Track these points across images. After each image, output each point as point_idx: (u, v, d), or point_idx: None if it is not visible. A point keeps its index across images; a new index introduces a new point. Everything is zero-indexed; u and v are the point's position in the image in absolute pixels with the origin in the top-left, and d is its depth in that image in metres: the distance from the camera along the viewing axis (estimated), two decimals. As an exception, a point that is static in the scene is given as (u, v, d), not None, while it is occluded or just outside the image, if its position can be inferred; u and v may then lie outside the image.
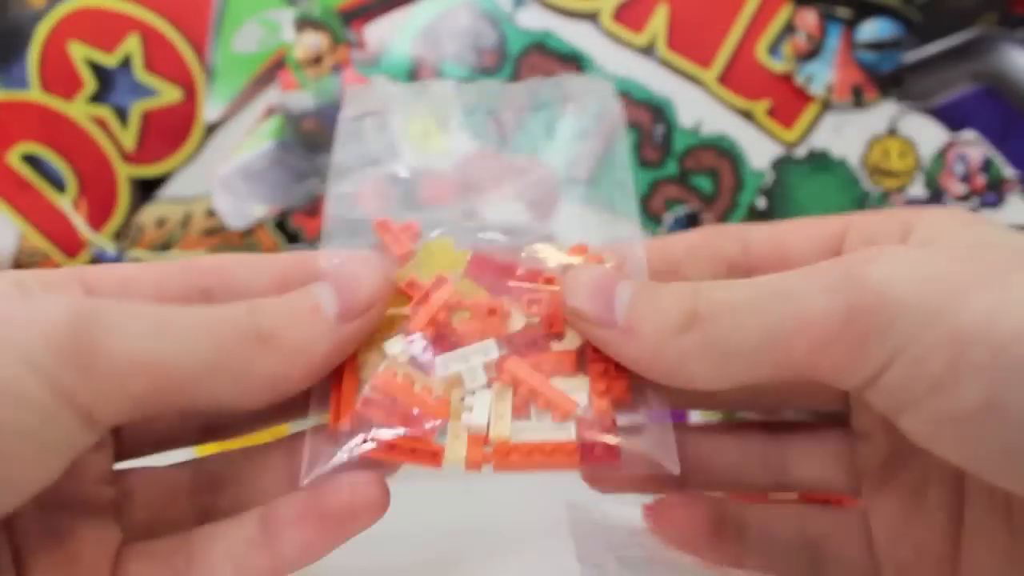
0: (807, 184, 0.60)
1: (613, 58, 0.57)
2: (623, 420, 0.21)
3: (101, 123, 0.50)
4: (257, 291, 0.21)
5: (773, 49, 0.59)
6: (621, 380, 0.21)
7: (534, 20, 0.56)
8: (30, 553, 0.20)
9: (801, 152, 0.60)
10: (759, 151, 0.60)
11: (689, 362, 0.19)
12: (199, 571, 0.20)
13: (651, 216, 0.57)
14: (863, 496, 0.24)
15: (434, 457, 0.20)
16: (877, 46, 0.59)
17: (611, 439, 0.21)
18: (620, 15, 0.57)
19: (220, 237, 0.52)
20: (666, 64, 0.58)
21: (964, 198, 0.59)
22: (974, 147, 0.59)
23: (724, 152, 0.60)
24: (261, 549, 0.20)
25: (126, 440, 0.23)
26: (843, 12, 0.58)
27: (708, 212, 0.59)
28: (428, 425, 0.21)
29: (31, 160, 0.50)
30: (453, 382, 0.21)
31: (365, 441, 0.20)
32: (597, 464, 0.21)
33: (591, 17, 0.57)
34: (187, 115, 0.51)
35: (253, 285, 0.22)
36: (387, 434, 0.20)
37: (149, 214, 0.51)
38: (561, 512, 0.29)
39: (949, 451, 0.18)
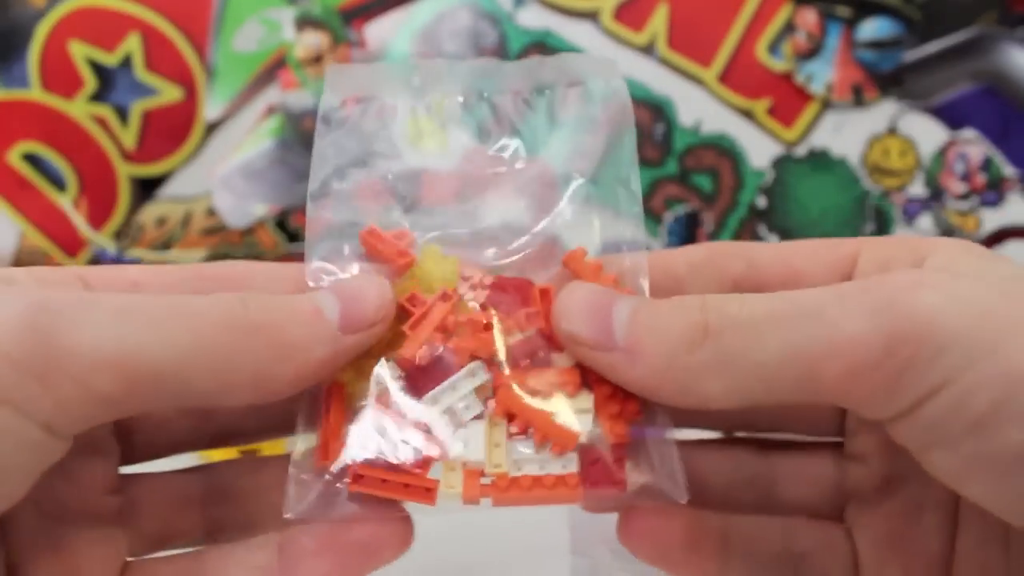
0: (807, 183, 0.60)
1: (613, 57, 0.57)
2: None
3: (101, 122, 0.50)
4: None
5: (773, 48, 0.59)
6: (631, 402, 0.20)
7: (534, 19, 0.56)
8: (28, 565, 0.19)
9: (801, 151, 0.60)
10: (759, 150, 0.60)
11: (701, 380, 0.18)
12: None
13: (651, 215, 0.57)
14: (848, 519, 0.23)
15: (428, 493, 0.19)
16: (877, 45, 0.59)
17: (617, 471, 0.19)
18: (620, 14, 0.58)
19: (220, 236, 0.52)
20: (666, 63, 0.58)
21: (964, 196, 0.59)
22: (974, 146, 0.59)
23: (724, 151, 0.60)
24: None
25: (136, 444, 0.22)
26: (843, 11, 0.58)
27: (708, 211, 0.59)
28: (420, 459, 0.19)
29: (32, 159, 0.50)
30: (446, 412, 0.20)
31: (354, 477, 0.19)
32: (602, 497, 0.20)
33: (591, 16, 0.57)
34: (187, 114, 0.51)
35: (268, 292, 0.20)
36: (377, 470, 0.19)
37: (149, 213, 0.51)
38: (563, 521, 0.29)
39: (979, 492, 0.17)
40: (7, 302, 0.16)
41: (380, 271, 0.21)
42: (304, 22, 0.52)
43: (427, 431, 0.19)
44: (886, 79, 0.60)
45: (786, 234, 0.60)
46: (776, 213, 0.60)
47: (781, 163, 0.60)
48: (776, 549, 0.22)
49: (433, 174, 0.23)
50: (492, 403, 0.20)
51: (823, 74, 0.60)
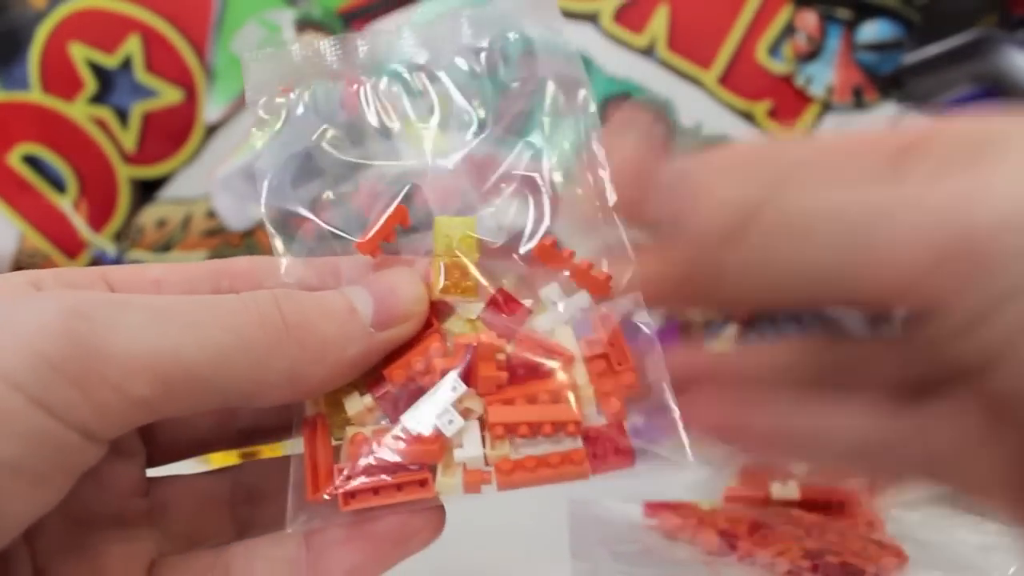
0: (807, 185, 0.60)
1: (613, 59, 0.57)
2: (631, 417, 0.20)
3: (102, 124, 0.50)
4: None
5: (773, 50, 0.59)
6: (627, 374, 0.19)
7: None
8: (55, 568, 0.18)
9: (801, 153, 0.60)
10: (759, 152, 0.60)
11: (739, 276, 0.16)
12: None
13: (651, 217, 0.57)
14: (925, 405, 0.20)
15: (423, 487, 0.19)
16: (877, 47, 0.59)
17: (623, 442, 0.19)
18: (620, 16, 0.57)
19: (220, 238, 0.52)
20: (666, 65, 0.58)
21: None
22: (974, 148, 0.59)
23: (724, 153, 0.59)
24: (303, 572, 0.19)
25: (160, 443, 0.21)
26: (843, 13, 0.58)
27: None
28: (416, 471, 0.19)
29: (32, 161, 0.50)
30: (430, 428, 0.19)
31: (345, 498, 0.18)
32: (610, 471, 0.19)
33: (591, 18, 0.57)
34: (187, 116, 0.51)
35: None
36: (371, 483, 0.18)
37: (149, 215, 0.51)
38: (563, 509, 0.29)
39: None
40: (40, 307, 0.15)
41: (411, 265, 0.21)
42: (304, 24, 0.52)
43: (416, 443, 0.19)
44: (886, 81, 0.60)
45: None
46: (776, 215, 0.59)
47: (781, 165, 0.60)
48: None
49: (433, 179, 0.23)
50: (488, 411, 0.19)
51: (823, 76, 0.59)
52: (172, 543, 0.21)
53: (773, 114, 0.60)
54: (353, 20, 0.53)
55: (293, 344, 0.17)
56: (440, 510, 0.19)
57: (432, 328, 0.20)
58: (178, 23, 0.51)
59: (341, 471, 0.18)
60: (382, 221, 0.21)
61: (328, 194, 0.22)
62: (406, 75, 0.23)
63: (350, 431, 0.19)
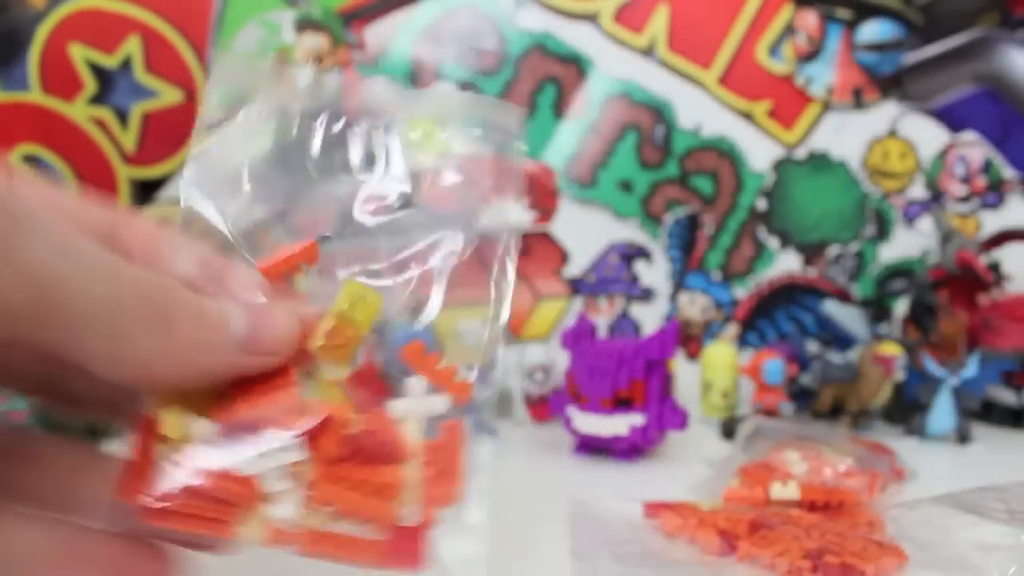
0: (807, 185, 0.60)
1: (613, 59, 0.57)
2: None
3: (101, 124, 0.50)
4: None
5: (773, 50, 0.59)
6: (454, 488, 0.20)
7: (534, 21, 0.56)
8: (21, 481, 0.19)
9: (801, 153, 0.60)
10: (759, 152, 0.60)
11: None
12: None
13: (651, 217, 0.57)
14: None
15: (223, 527, 0.18)
16: (877, 47, 0.59)
17: (421, 550, 0.20)
18: (620, 16, 0.58)
19: (221, 238, 0.52)
20: (666, 65, 0.58)
21: (964, 199, 0.59)
22: (974, 148, 0.59)
23: (724, 153, 0.60)
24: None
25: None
26: (843, 13, 0.58)
27: (708, 213, 0.58)
28: (225, 506, 0.19)
29: (31, 161, 0.50)
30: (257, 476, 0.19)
31: (149, 510, 0.18)
32: (402, 567, 0.20)
33: (591, 18, 0.57)
34: (187, 116, 0.51)
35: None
36: (177, 506, 0.18)
37: (149, 215, 0.51)
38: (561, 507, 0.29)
39: None
40: None
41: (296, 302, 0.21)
42: (304, 24, 0.52)
43: (234, 483, 0.19)
44: (886, 81, 0.60)
45: (786, 236, 0.59)
46: (776, 215, 0.59)
47: (781, 165, 0.60)
48: None
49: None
50: (317, 485, 0.19)
51: (823, 76, 0.60)
52: None
53: (773, 114, 0.60)
54: (353, 20, 0.53)
55: (159, 329, 0.17)
56: (166, 559, 0.19)
57: (291, 377, 0.20)
58: (178, 23, 0.51)
59: (154, 485, 0.18)
60: (293, 252, 0.21)
61: (253, 208, 0.22)
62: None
63: (178, 447, 0.19)
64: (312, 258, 0.22)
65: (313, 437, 0.19)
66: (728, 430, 0.43)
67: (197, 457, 0.19)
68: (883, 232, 0.60)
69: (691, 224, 0.59)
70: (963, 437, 0.43)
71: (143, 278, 0.17)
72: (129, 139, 0.51)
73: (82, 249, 0.16)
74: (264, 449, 0.19)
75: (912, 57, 0.60)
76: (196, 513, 0.18)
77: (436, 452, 0.21)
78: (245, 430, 0.19)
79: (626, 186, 0.57)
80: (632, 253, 0.58)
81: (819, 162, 0.61)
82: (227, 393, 0.19)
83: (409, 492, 0.20)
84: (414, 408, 0.21)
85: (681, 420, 0.37)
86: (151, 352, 0.17)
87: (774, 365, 0.45)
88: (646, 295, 0.58)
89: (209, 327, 0.18)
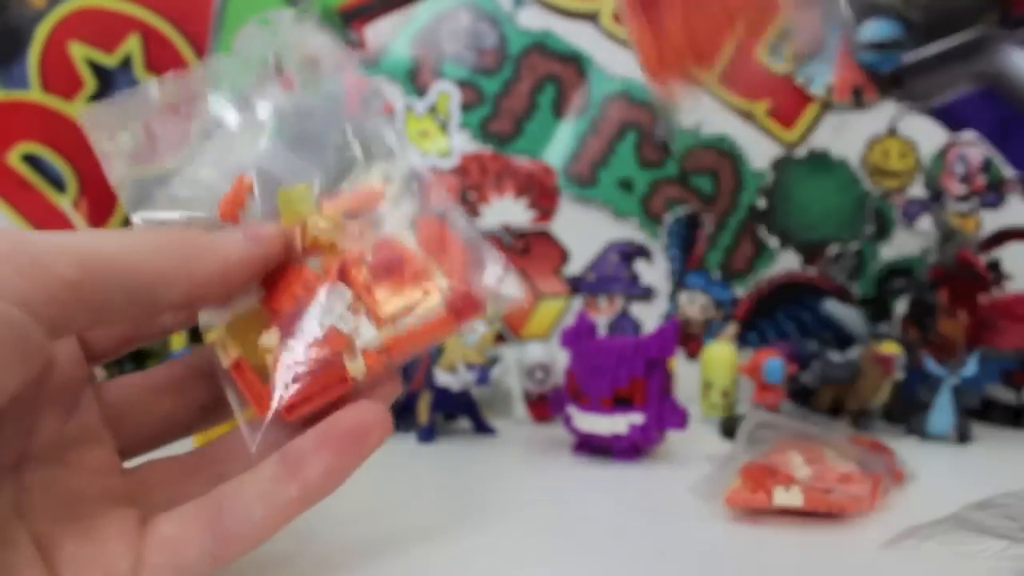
0: (807, 184, 0.60)
1: (613, 58, 0.57)
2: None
3: (101, 123, 0.50)
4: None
5: (773, 50, 0.59)
6: (455, 249, 0.24)
7: (534, 20, 0.56)
8: (54, 542, 0.20)
9: (801, 152, 0.60)
10: (759, 151, 0.60)
11: None
12: (231, 516, 0.21)
13: (651, 216, 0.57)
14: None
15: (344, 382, 0.22)
16: (877, 47, 0.59)
17: (472, 295, 0.24)
18: (620, 15, 0.57)
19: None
20: (666, 64, 0.58)
21: (964, 198, 0.59)
22: (974, 147, 0.59)
23: (724, 152, 0.60)
24: (287, 483, 0.22)
25: (126, 435, 0.24)
26: (843, 13, 0.58)
27: (708, 212, 0.59)
28: (332, 369, 0.22)
29: (31, 160, 0.50)
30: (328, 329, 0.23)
31: (286, 410, 0.22)
32: (469, 319, 0.24)
33: (591, 17, 0.57)
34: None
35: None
36: (301, 392, 0.22)
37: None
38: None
39: None
40: None
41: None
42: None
43: (322, 345, 0.22)
44: (886, 81, 0.60)
45: (786, 235, 0.60)
46: (776, 214, 0.59)
47: (781, 164, 0.60)
48: None
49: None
50: (374, 303, 0.23)
51: (823, 76, 0.60)
52: (157, 508, 0.23)
53: (773, 113, 0.60)
54: (353, 19, 0.53)
55: (186, 246, 0.21)
56: (383, 409, 0.23)
57: (298, 270, 0.24)
58: (178, 23, 0.51)
59: (273, 390, 0.22)
60: (229, 190, 0.24)
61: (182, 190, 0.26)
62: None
63: (269, 359, 0.23)
64: (247, 186, 0.25)
65: (343, 276, 0.23)
66: (728, 429, 0.43)
67: (285, 354, 0.22)
68: (883, 231, 0.60)
69: (691, 223, 0.59)
70: (963, 436, 0.43)
71: (153, 227, 0.23)
72: (129, 138, 0.51)
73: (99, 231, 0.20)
74: (319, 313, 0.23)
75: (912, 57, 0.60)
76: (318, 386, 0.22)
77: (428, 238, 0.25)
78: (297, 315, 0.23)
79: (626, 185, 0.57)
80: (632, 252, 0.58)
81: (819, 161, 0.61)
82: (267, 312, 0.23)
83: (434, 269, 0.24)
84: (400, 222, 0.25)
85: (681, 419, 0.37)
86: (185, 262, 0.21)
87: (774, 364, 0.45)
88: (646, 294, 0.58)
89: (219, 237, 0.22)
